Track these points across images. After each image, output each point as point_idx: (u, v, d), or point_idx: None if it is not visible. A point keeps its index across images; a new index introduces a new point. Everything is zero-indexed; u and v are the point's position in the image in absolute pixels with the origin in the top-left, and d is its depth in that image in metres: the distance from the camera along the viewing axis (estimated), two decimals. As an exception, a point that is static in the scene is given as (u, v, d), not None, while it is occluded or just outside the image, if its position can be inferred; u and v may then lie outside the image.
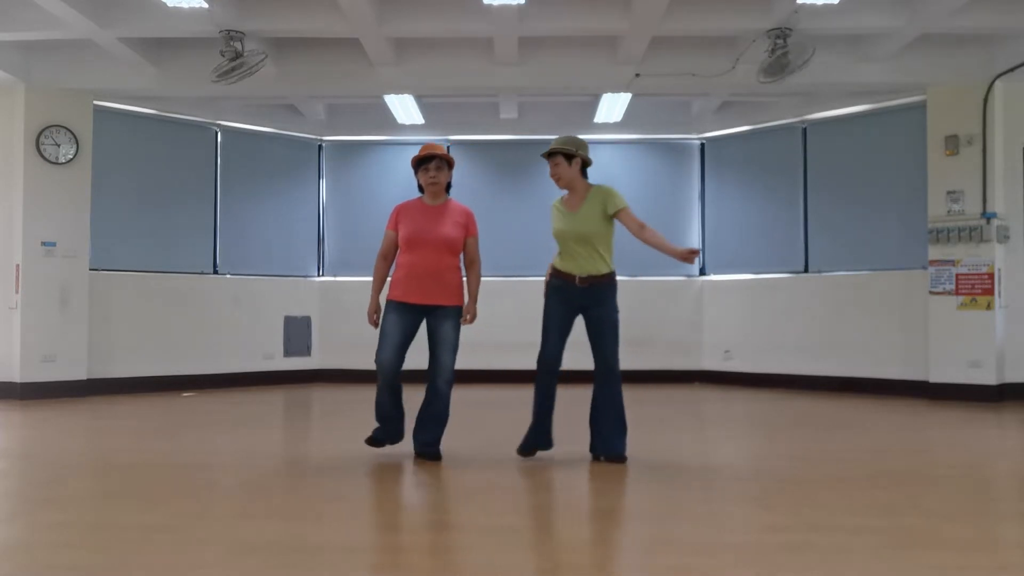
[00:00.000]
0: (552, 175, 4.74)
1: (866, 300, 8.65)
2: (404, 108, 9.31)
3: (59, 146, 8.17)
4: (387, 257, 4.84)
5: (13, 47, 7.69)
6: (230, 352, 9.35)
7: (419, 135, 10.11)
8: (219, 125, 9.48)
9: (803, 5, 6.78)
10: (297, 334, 9.92)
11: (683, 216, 10.15)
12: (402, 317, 4.65)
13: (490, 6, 6.80)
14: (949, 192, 7.95)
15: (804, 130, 9.25)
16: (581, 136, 9.85)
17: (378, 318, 4.77)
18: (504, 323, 8.58)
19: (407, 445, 4.86)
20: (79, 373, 8.21)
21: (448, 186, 4.83)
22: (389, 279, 4.82)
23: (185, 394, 8.47)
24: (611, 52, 8.05)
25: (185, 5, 6.83)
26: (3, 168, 8.14)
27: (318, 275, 10.19)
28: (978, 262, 7.77)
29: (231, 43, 7.29)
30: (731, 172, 9.95)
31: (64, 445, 5.57)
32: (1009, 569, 2.79)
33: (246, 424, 6.67)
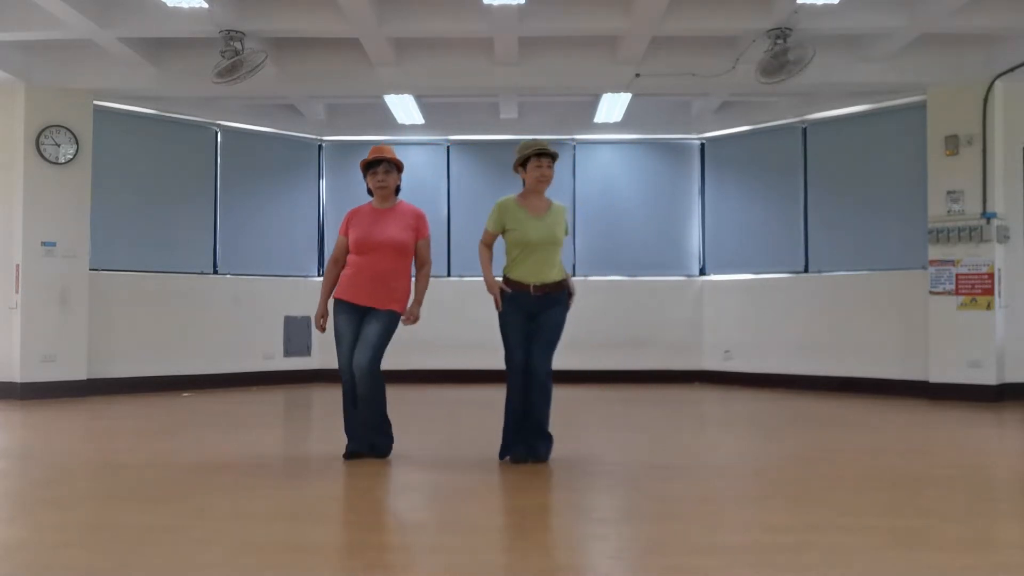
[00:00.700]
0: (545, 177, 4.70)
1: (866, 300, 8.65)
2: (404, 108, 9.31)
3: (59, 146, 8.17)
4: (338, 262, 4.86)
5: (13, 47, 7.69)
6: (230, 352, 9.35)
7: (419, 135, 10.13)
8: (219, 125, 9.48)
9: (803, 5, 6.78)
10: (297, 334, 9.92)
11: (683, 216, 10.15)
12: (350, 317, 4.68)
13: (490, 6, 6.80)
14: (949, 192, 7.95)
15: (804, 130, 9.25)
16: (580, 136, 9.87)
17: (324, 322, 4.79)
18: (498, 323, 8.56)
19: (408, 446, 4.85)
20: (79, 373, 8.21)
21: (397, 189, 4.83)
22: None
23: (184, 394, 8.47)
24: (611, 52, 8.05)
25: (185, 5, 6.83)
26: (3, 168, 8.14)
27: (318, 275, 10.19)
28: (978, 262, 7.77)
29: (231, 43, 7.29)
30: (731, 172, 9.95)
31: (64, 445, 5.57)
32: (1008, 569, 2.79)
33: (246, 424, 6.66)
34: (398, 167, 4.80)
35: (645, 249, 9.94)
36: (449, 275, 10.01)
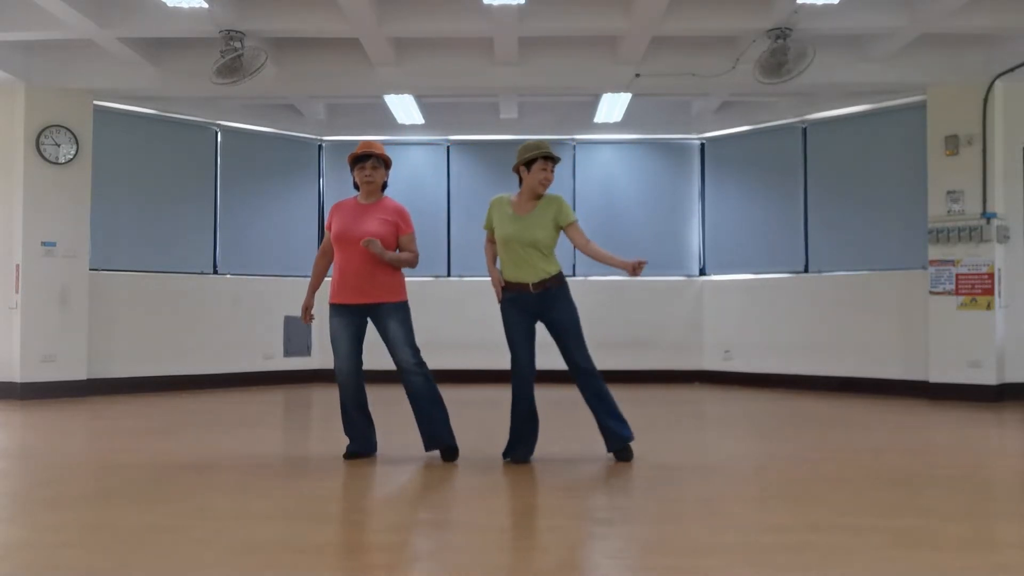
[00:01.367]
0: (548, 181, 4.68)
1: (866, 300, 8.65)
2: (404, 108, 9.31)
3: (59, 146, 8.17)
4: (325, 254, 4.89)
5: (13, 47, 7.69)
6: (230, 352, 9.35)
7: (419, 135, 10.13)
8: (219, 125, 9.48)
9: (803, 5, 6.78)
10: (297, 334, 9.92)
11: (683, 216, 10.15)
12: (345, 320, 4.67)
13: (490, 6, 6.80)
14: (949, 192, 7.95)
15: (804, 130, 9.25)
16: (580, 136, 9.86)
17: (311, 316, 4.81)
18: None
19: (408, 446, 4.85)
20: (79, 373, 8.21)
21: (384, 185, 4.81)
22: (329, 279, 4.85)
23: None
24: (611, 52, 8.05)
25: (185, 5, 6.83)
26: (3, 168, 8.14)
27: (318, 275, 10.18)
28: (978, 262, 7.77)
29: (231, 43, 7.29)
30: (731, 172, 9.95)
31: (64, 445, 5.57)
32: (1008, 569, 2.79)
33: (246, 424, 6.66)
34: (386, 163, 4.78)
35: (645, 249, 9.91)
36: (449, 275, 10.02)
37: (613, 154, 10.21)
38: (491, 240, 4.74)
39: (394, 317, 4.63)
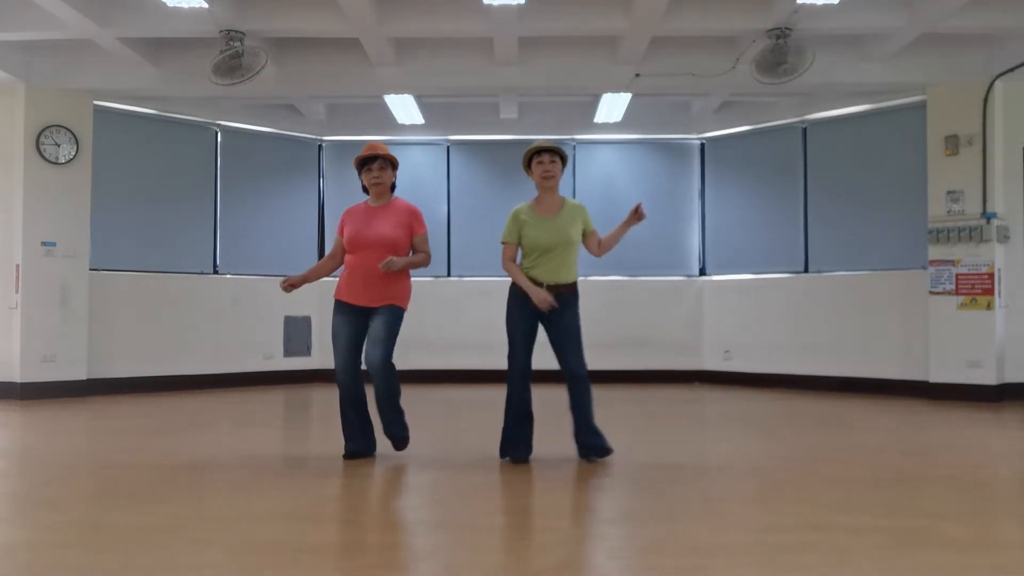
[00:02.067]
0: (548, 173, 4.67)
1: (866, 300, 8.65)
2: (404, 108, 9.31)
3: (59, 146, 8.17)
4: (333, 257, 4.90)
5: (13, 47, 7.69)
6: (230, 352, 9.35)
7: (419, 135, 10.13)
8: (219, 125, 9.48)
9: (803, 5, 6.78)
10: (297, 334, 9.92)
11: (683, 216, 10.15)
12: (347, 319, 4.66)
13: (490, 6, 6.80)
14: (949, 192, 7.95)
15: (804, 130, 9.25)
16: (580, 136, 9.88)
17: (287, 286, 4.74)
18: (503, 323, 8.56)
19: (410, 447, 4.85)
20: (79, 373, 8.21)
21: (392, 186, 4.80)
22: (334, 277, 4.86)
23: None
24: (611, 52, 8.05)
25: (185, 5, 6.83)
26: (3, 168, 8.15)
27: (318, 275, 10.18)
28: (978, 262, 7.77)
29: (231, 43, 7.29)
30: (731, 172, 9.95)
31: (64, 445, 5.57)
32: (1008, 569, 2.79)
33: (246, 424, 6.67)
34: (393, 164, 4.77)
35: (645, 249, 9.92)
36: (449, 275, 10.01)
37: (613, 154, 10.21)
38: (510, 258, 4.70)
39: (387, 315, 4.61)
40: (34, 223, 8.05)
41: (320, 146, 10.29)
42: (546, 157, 4.68)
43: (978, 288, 7.77)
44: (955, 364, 7.86)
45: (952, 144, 7.92)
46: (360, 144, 10.19)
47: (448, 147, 10.28)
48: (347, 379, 4.67)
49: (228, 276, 9.50)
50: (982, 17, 6.96)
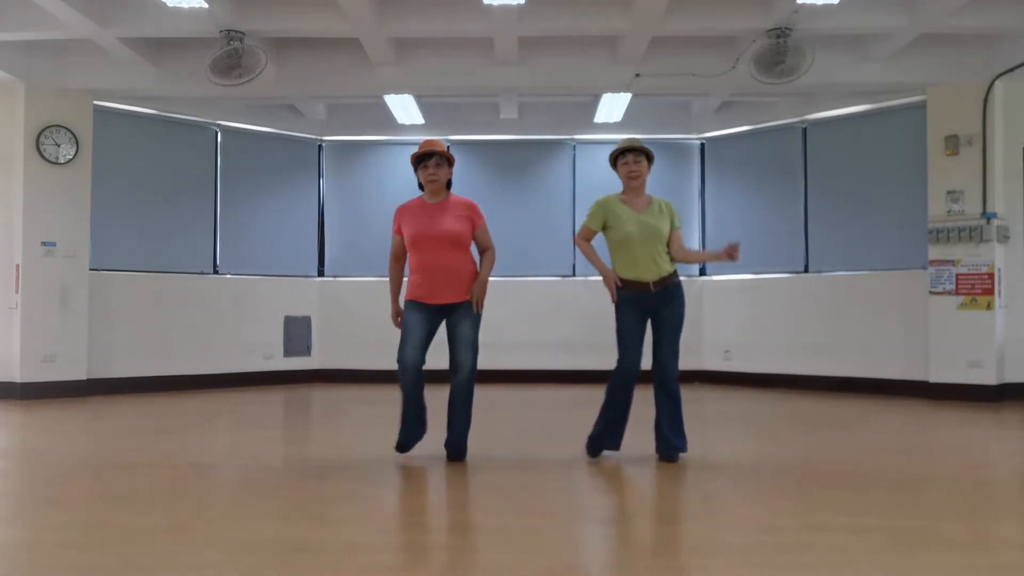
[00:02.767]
0: (633, 172, 4.70)
1: (866, 300, 8.65)
2: (404, 108, 9.31)
3: (59, 146, 8.17)
4: (398, 258, 4.81)
5: (13, 47, 7.69)
6: (230, 352, 9.35)
7: (419, 135, 10.10)
8: (219, 125, 9.48)
9: (803, 5, 6.78)
10: (297, 334, 9.92)
11: (683, 216, 10.10)
12: (421, 315, 4.60)
13: (490, 6, 6.80)
14: (949, 192, 7.95)
15: (804, 130, 9.25)
16: (580, 136, 9.85)
17: (400, 320, 4.71)
18: (503, 323, 8.58)
19: (411, 449, 4.85)
20: (79, 373, 8.21)
21: (449, 183, 4.79)
22: (405, 279, 4.78)
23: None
24: (611, 52, 8.05)
25: (185, 5, 6.83)
26: (3, 168, 8.14)
27: (318, 275, 10.19)
28: (978, 262, 7.77)
29: (231, 43, 7.29)
30: (731, 172, 9.95)
31: (64, 445, 5.57)
32: (1009, 569, 2.79)
33: (246, 424, 6.67)
34: (449, 161, 4.75)
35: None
36: (449, 275, 10.00)
37: (613, 154, 10.19)
38: (586, 239, 4.73)
39: (469, 316, 4.62)
40: (34, 223, 8.05)
41: (320, 146, 10.29)
42: (631, 157, 4.69)
43: (978, 288, 7.77)
44: (955, 364, 7.86)
45: (952, 144, 7.92)
46: (360, 144, 10.34)
47: (448, 147, 10.27)
48: (414, 375, 4.59)
49: (228, 276, 9.50)
50: (982, 17, 6.96)
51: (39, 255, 8.06)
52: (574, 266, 9.92)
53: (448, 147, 10.23)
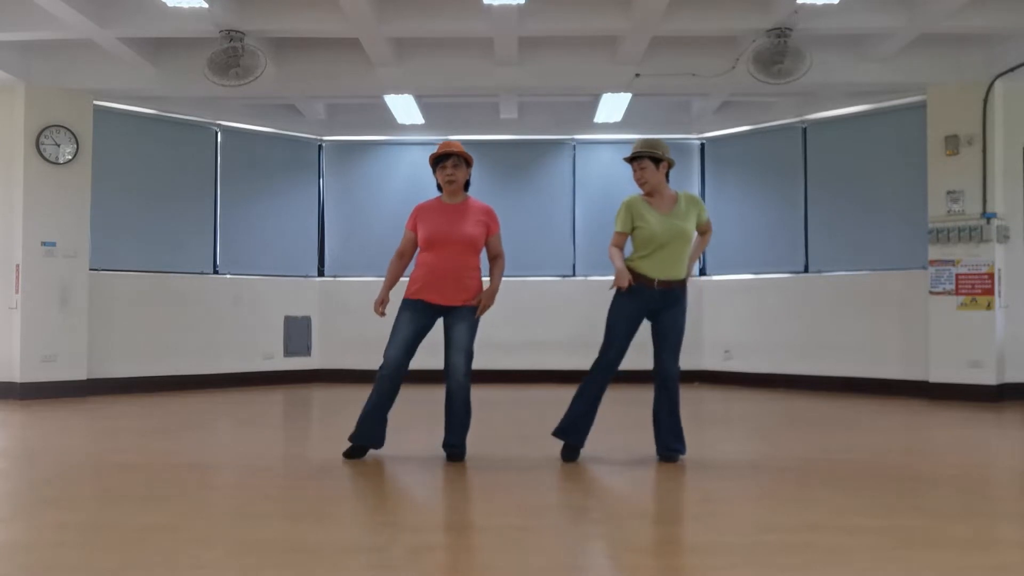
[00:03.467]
0: (638, 179, 4.66)
1: (866, 300, 8.65)
2: (404, 108, 9.31)
3: (59, 146, 8.17)
4: (404, 256, 4.80)
5: (13, 47, 7.69)
6: (230, 352, 9.35)
7: (419, 135, 10.12)
8: (219, 125, 9.48)
9: (803, 5, 6.78)
10: (297, 334, 9.92)
11: (683, 216, 10.14)
12: (415, 315, 4.60)
13: (490, 6, 6.80)
14: (949, 192, 7.95)
15: (804, 130, 9.25)
16: (580, 136, 9.84)
17: (384, 309, 4.72)
18: (503, 323, 8.58)
19: (409, 446, 4.85)
20: (79, 373, 8.21)
21: (467, 184, 4.77)
22: (405, 279, 4.76)
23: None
24: (611, 52, 8.05)
25: (185, 5, 6.83)
26: (3, 168, 8.14)
27: (318, 275, 10.20)
28: (978, 262, 7.77)
29: (231, 43, 7.29)
30: (731, 172, 9.95)
31: (64, 445, 5.57)
32: (1008, 569, 2.79)
33: (246, 424, 6.67)
34: (468, 161, 4.74)
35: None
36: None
37: (613, 154, 10.17)
38: (619, 246, 4.71)
39: (467, 320, 4.62)
40: (34, 223, 8.05)
41: (320, 146, 10.29)
42: (635, 164, 4.66)
43: (978, 288, 7.77)
44: (955, 364, 7.86)
45: (952, 144, 7.92)
46: (360, 144, 10.34)
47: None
48: (393, 375, 4.60)
49: (228, 276, 9.50)
50: (982, 17, 6.96)
51: (39, 255, 8.06)
52: (574, 266, 9.92)
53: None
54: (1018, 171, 7.89)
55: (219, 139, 9.51)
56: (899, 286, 8.43)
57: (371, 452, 4.79)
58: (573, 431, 4.69)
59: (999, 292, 7.76)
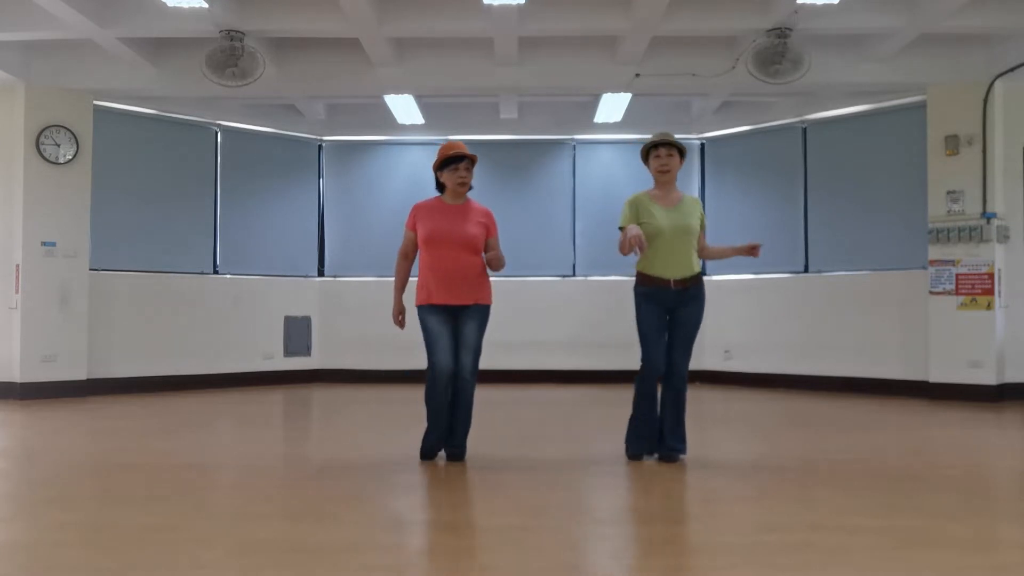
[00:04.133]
0: (663, 167, 4.65)
1: (866, 300, 8.65)
2: (404, 108, 9.31)
3: (59, 146, 8.17)
4: (408, 256, 4.77)
5: (13, 47, 7.69)
6: (230, 352, 9.35)
7: (419, 135, 10.12)
8: (219, 125, 9.48)
9: (803, 5, 6.78)
10: (297, 334, 9.92)
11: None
12: (442, 317, 4.58)
13: (490, 6, 6.80)
14: (949, 192, 7.95)
15: (804, 130, 9.25)
16: (580, 136, 9.87)
17: (403, 319, 4.70)
18: (503, 323, 8.54)
19: (409, 446, 4.85)
20: (79, 373, 8.21)
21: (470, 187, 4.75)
22: (414, 280, 4.73)
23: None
24: (611, 52, 8.05)
25: (185, 5, 6.83)
26: (3, 168, 8.15)
27: (318, 275, 10.20)
28: (978, 262, 7.77)
29: (231, 43, 7.29)
30: (731, 172, 9.94)
31: (64, 445, 5.57)
32: (1009, 569, 2.79)
33: (246, 424, 6.67)
34: (474, 163, 4.71)
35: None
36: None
37: (613, 154, 10.20)
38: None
39: (477, 319, 4.61)
40: (34, 223, 8.05)
41: (320, 146, 10.29)
42: (663, 151, 4.65)
43: (978, 288, 7.77)
44: (955, 364, 7.86)
45: (952, 144, 7.92)
46: (360, 144, 10.34)
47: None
48: (447, 371, 4.56)
49: (228, 276, 9.50)
50: (982, 17, 6.97)
51: (39, 255, 8.06)
52: (574, 266, 9.92)
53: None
54: (1018, 171, 7.89)
55: (219, 139, 9.51)
56: (899, 286, 8.43)
57: (370, 453, 4.79)
58: (641, 441, 4.67)
59: (999, 292, 7.76)
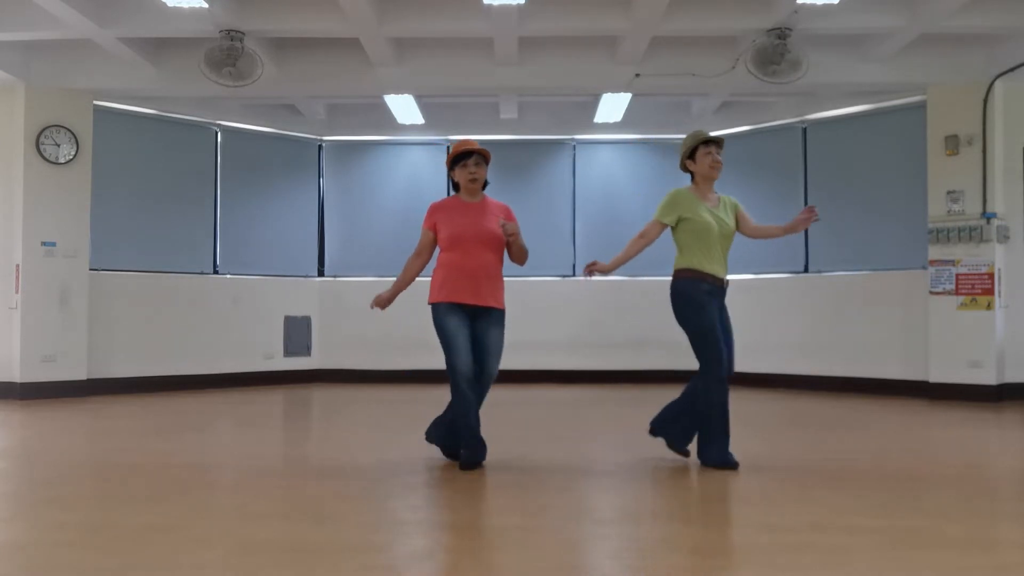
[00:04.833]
0: (715, 165, 4.61)
1: (866, 300, 8.65)
2: (404, 108, 9.31)
3: (59, 146, 8.17)
4: (421, 255, 4.63)
5: (13, 47, 7.69)
6: (230, 352, 9.35)
7: (419, 135, 10.13)
8: (219, 125, 9.48)
9: (803, 5, 6.78)
10: (297, 334, 9.92)
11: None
12: (459, 317, 4.44)
13: (490, 6, 6.80)
14: (949, 192, 7.95)
15: (804, 130, 9.25)
16: (580, 136, 9.89)
17: (383, 307, 4.62)
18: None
19: (409, 446, 4.85)
20: (79, 373, 8.21)
21: (485, 183, 4.65)
22: (424, 279, 4.62)
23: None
24: (611, 52, 8.06)
25: (185, 5, 6.83)
26: (3, 168, 8.15)
27: (318, 275, 10.20)
28: (978, 262, 7.77)
29: (231, 43, 7.29)
30: (731, 172, 9.88)
31: (64, 445, 5.57)
32: (1009, 569, 2.79)
33: (246, 424, 6.67)
34: (487, 159, 4.62)
35: (645, 249, 9.92)
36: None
37: (613, 154, 10.20)
38: (650, 239, 4.61)
39: (499, 325, 4.54)
40: (34, 223, 8.05)
41: (320, 146, 10.29)
42: (714, 148, 4.59)
43: (978, 288, 7.77)
44: (955, 364, 7.86)
45: (952, 144, 7.92)
46: (360, 144, 10.33)
47: (448, 147, 10.28)
48: (472, 381, 4.43)
49: (228, 276, 9.50)
50: (982, 17, 6.97)
51: (39, 255, 8.06)
52: (574, 266, 9.92)
53: (448, 148, 10.24)
54: (1018, 171, 7.89)
55: (219, 139, 9.51)
56: (899, 286, 8.43)
57: (370, 453, 4.79)
58: (723, 451, 4.52)
59: (999, 292, 7.76)
